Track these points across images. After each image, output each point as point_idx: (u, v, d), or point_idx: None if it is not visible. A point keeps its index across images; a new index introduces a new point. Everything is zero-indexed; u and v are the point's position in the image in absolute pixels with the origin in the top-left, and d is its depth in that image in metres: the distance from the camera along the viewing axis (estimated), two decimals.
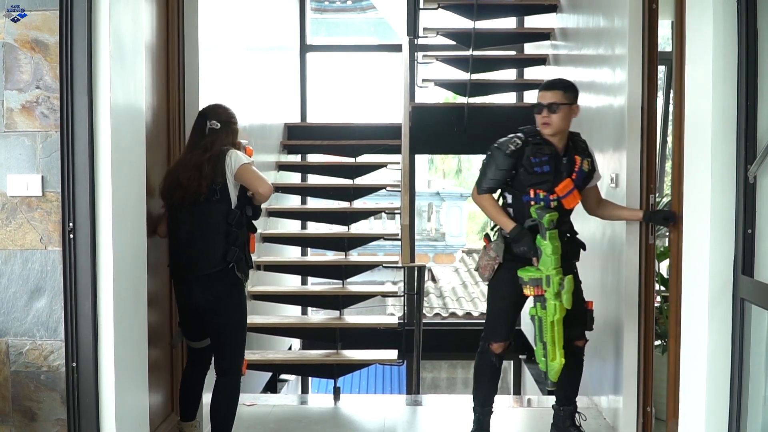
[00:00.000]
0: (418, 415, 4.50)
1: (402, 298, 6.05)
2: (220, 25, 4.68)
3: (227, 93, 4.63)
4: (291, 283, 7.11)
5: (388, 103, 12.52)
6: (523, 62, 7.06)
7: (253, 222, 3.42)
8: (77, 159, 2.64)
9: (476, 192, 3.47)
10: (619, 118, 3.85)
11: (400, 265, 5.46)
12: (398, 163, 6.12)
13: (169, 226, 3.37)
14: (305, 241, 7.07)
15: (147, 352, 3.04)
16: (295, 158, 7.43)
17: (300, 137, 7.29)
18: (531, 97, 6.90)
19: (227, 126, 3.39)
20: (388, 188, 6.49)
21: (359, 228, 6.38)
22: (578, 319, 3.50)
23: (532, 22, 7.01)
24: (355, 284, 5.93)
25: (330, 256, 6.42)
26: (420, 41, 7.18)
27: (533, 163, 3.33)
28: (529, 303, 3.41)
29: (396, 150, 6.23)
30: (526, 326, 6.46)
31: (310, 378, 8.48)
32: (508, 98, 7.32)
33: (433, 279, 13.04)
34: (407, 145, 5.89)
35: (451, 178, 19.52)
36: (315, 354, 5.36)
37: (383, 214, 6.68)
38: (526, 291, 3.31)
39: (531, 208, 3.33)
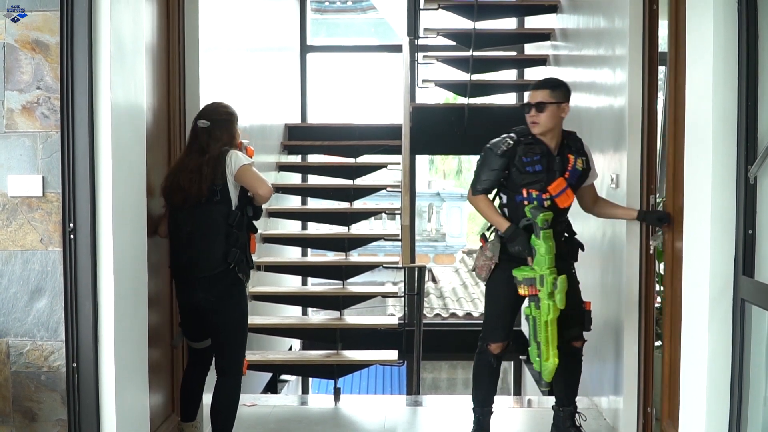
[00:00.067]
0: (419, 415, 4.50)
1: (402, 298, 6.04)
2: (220, 25, 4.68)
3: (228, 93, 4.63)
4: (291, 283, 7.11)
5: (389, 104, 12.52)
6: (523, 63, 7.06)
7: (254, 222, 3.42)
8: (78, 159, 2.64)
9: (471, 193, 3.48)
10: (620, 119, 3.85)
11: (400, 265, 5.46)
12: (398, 163, 6.12)
13: (169, 226, 3.37)
14: (305, 242, 7.08)
15: (147, 352, 3.04)
16: (296, 159, 7.43)
17: (300, 138, 7.30)
18: None
19: (219, 123, 3.32)
20: (388, 189, 6.49)
21: (359, 228, 6.38)
22: (576, 319, 3.50)
23: (533, 22, 7.02)
24: (356, 285, 5.93)
25: (330, 257, 6.42)
26: (420, 42, 7.18)
27: (525, 163, 3.34)
28: (527, 303, 3.41)
29: (396, 150, 6.23)
30: (526, 326, 6.45)
31: (310, 378, 8.48)
32: (509, 99, 7.31)
33: (434, 279, 13.03)
34: (407, 145, 5.89)
35: (451, 178, 19.52)
36: (315, 354, 5.36)
37: (383, 214, 6.69)
38: (521, 290, 3.32)
39: (525, 208, 3.33)
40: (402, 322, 5.83)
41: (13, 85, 2.67)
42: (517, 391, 8.78)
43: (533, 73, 7.09)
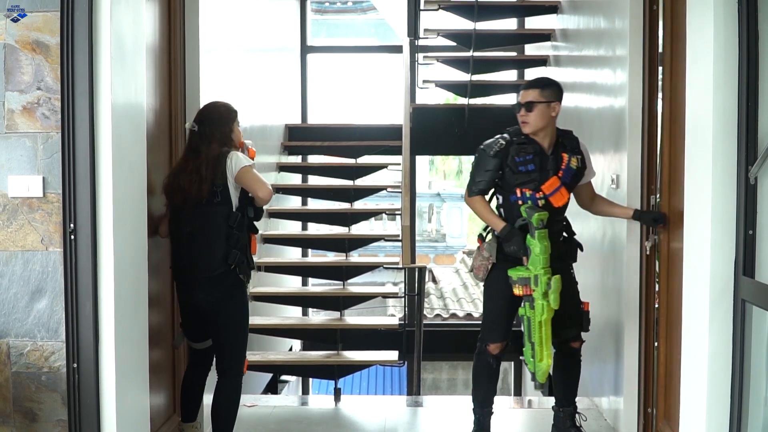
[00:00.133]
0: (419, 416, 4.50)
1: (402, 299, 6.04)
2: (221, 26, 4.68)
3: (228, 94, 4.62)
4: (292, 284, 7.11)
5: (389, 105, 12.52)
6: (523, 63, 7.06)
7: (255, 223, 3.42)
8: (78, 160, 2.64)
9: (467, 195, 3.49)
10: (620, 119, 3.85)
11: (400, 266, 5.46)
12: (399, 164, 6.12)
13: (170, 227, 3.36)
14: (306, 242, 7.07)
15: (148, 352, 3.04)
16: (296, 159, 7.44)
17: (301, 138, 7.30)
18: None
19: (210, 122, 3.29)
20: (388, 189, 6.49)
21: (360, 229, 6.38)
22: (574, 320, 3.50)
23: (533, 23, 7.02)
24: (356, 285, 5.93)
25: (331, 257, 6.43)
26: (420, 42, 7.18)
27: (517, 162, 3.34)
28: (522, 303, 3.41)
29: (397, 151, 6.24)
30: None
31: (310, 379, 8.49)
32: (509, 99, 7.30)
33: (434, 280, 13.03)
34: (408, 146, 5.89)
35: (451, 179, 19.52)
36: (316, 355, 5.36)
37: (384, 215, 6.70)
38: (516, 290, 3.32)
39: (521, 208, 3.33)
40: (402, 322, 5.84)
41: (13, 85, 2.67)
42: (518, 392, 8.79)
43: (533, 74, 7.08)
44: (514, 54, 7.49)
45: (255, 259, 3.55)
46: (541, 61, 6.42)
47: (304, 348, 7.19)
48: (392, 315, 10.36)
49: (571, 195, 3.51)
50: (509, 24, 7.69)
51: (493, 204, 3.50)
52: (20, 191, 2.68)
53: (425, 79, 6.94)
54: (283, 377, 6.81)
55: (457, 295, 11.89)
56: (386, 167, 6.66)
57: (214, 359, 3.43)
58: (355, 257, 6.14)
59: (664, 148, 3.51)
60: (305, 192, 7.41)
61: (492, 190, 3.50)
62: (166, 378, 3.64)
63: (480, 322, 3.65)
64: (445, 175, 19.90)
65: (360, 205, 6.62)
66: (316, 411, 4.57)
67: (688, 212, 2.80)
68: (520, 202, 3.35)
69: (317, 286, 7.54)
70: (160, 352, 3.47)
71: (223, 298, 3.29)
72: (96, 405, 2.68)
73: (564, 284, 3.33)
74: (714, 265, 2.57)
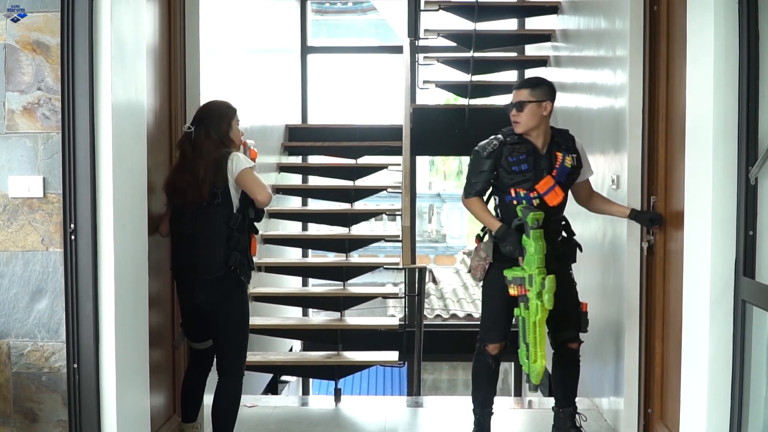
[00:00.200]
0: (419, 416, 4.50)
1: (403, 299, 6.04)
2: (221, 27, 4.68)
3: (228, 94, 4.62)
4: (292, 284, 7.11)
5: (389, 105, 12.51)
6: (524, 64, 7.05)
7: (255, 224, 3.42)
8: (78, 160, 2.64)
9: (464, 197, 3.49)
10: (620, 120, 3.85)
11: (401, 266, 5.46)
12: (399, 164, 6.12)
13: (171, 228, 3.36)
14: (306, 243, 7.08)
15: (148, 353, 3.04)
16: (296, 160, 7.44)
17: (301, 139, 7.30)
18: None
19: (206, 121, 3.28)
20: (389, 190, 6.49)
21: (360, 229, 6.38)
22: (572, 321, 3.50)
23: (533, 23, 7.01)
24: (356, 286, 5.93)
25: (331, 258, 6.43)
26: (421, 43, 7.19)
27: (511, 163, 3.35)
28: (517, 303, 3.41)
29: (397, 151, 6.24)
30: None
31: (311, 379, 8.49)
32: (509, 100, 7.29)
33: (434, 280, 13.03)
34: (408, 146, 5.89)
35: (452, 179, 19.50)
36: (316, 355, 5.36)
37: (384, 215, 6.71)
38: (511, 290, 3.32)
39: (517, 208, 3.34)
40: (402, 323, 5.84)
41: (13, 86, 2.67)
42: (518, 392, 8.79)
43: (534, 74, 7.09)
44: (514, 54, 7.49)
45: (255, 259, 3.55)
46: (542, 61, 6.42)
47: (305, 348, 7.19)
48: (392, 315, 10.36)
49: (570, 194, 3.51)
50: (509, 24, 7.68)
51: (491, 205, 3.50)
52: (21, 191, 2.68)
53: (425, 79, 6.94)
54: (284, 378, 6.81)
55: (458, 295, 11.89)
56: (386, 168, 6.66)
57: (215, 359, 3.43)
58: (356, 258, 6.14)
59: (660, 149, 3.51)
60: (305, 192, 7.42)
61: (489, 191, 3.50)
62: (167, 378, 3.64)
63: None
64: (446, 175, 19.89)
65: (360, 205, 6.63)
66: (316, 411, 4.57)
67: (688, 213, 2.80)
68: (515, 202, 3.35)
69: (317, 286, 7.54)
70: (160, 353, 3.47)
71: (224, 299, 3.29)
72: (96, 405, 2.68)
73: (562, 285, 3.33)
74: (714, 265, 2.57)
